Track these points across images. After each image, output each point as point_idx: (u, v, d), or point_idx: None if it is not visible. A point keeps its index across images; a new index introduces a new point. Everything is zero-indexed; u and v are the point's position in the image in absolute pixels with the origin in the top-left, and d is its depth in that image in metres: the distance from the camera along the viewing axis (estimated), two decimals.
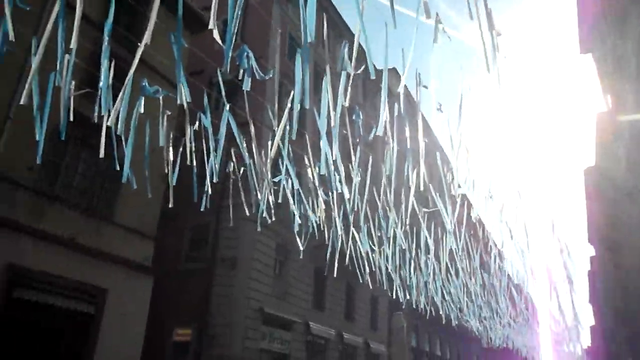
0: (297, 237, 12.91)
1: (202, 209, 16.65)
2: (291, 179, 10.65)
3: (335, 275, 20.93)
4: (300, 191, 12.07)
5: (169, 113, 8.92)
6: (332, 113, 6.86)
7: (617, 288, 25.93)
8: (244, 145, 8.77)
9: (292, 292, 18.45)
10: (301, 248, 13.41)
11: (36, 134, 6.70)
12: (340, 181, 11.76)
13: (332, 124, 7.07)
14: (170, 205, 9.30)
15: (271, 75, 7.77)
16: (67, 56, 6.42)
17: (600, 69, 23.74)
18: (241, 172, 11.96)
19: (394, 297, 17.94)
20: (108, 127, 6.96)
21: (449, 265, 19.56)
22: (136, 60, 6.08)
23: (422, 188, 9.39)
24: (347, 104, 6.86)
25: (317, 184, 11.88)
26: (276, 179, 11.46)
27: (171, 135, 9.50)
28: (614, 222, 24.87)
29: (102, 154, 6.93)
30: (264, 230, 17.09)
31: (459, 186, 12.31)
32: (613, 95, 23.08)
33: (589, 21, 24.07)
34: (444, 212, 13.25)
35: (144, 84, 7.47)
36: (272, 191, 11.80)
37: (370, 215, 14.09)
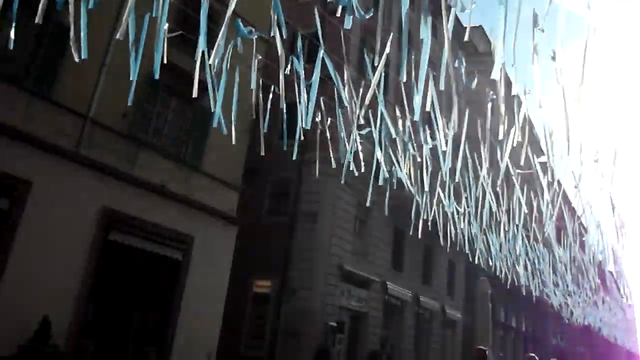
0: (385, 191, 12.46)
1: (285, 162, 16.62)
2: (384, 128, 10.13)
3: (414, 237, 20.53)
4: (388, 144, 11.60)
5: (260, 57, 8.65)
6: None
7: None
8: (342, 85, 8.36)
9: (371, 251, 18.20)
10: (385, 204, 13.06)
11: (130, 74, 6.55)
12: (432, 136, 11.15)
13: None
14: (262, 153, 9.04)
15: (371, 14, 7.17)
16: None
17: None
18: (328, 122, 11.67)
19: (475, 262, 17.28)
20: (201, 71, 6.81)
21: (537, 233, 18.51)
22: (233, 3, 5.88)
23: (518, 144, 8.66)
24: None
25: (406, 136, 11.33)
26: (364, 131, 11.04)
27: (261, 81, 9.28)
28: None
29: (195, 94, 6.72)
30: (345, 186, 16.83)
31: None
32: None
33: None
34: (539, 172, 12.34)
35: (238, 24, 7.16)
36: (359, 143, 11.42)
37: (460, 174, 13.40)
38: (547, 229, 18.01)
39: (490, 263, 18.27)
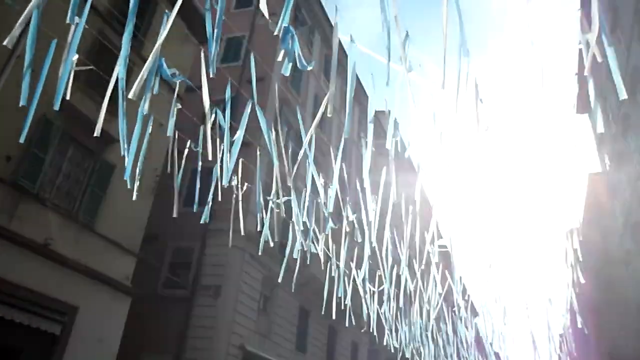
0: (292, 267, 11.84)
1: (189, 230, 15.40)
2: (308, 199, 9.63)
3: (318, 316, 19.67)
4: (307, 220, 11.07)
5: (180, 107, 7.94)
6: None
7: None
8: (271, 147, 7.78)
9: (275, 331, 17.00)
10: (293, 281, 12.40)
11: (21, 99, 5.27)
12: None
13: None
14: (174, 214, 8.08)
15: (311, 67, 6.83)
16: (72, 26, 5.49)
17: (597, 130, 23.52)
18: (244, 188, 10.95)
19: (384, 344, 16.80)
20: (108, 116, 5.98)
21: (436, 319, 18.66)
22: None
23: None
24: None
25: (327, 213, 10.89)
26: (282, 200, 10.44)
27: (176, 135, 8.48)
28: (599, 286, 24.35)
29: (98, 132, 5.78)
30: (252, 260, 15.88)
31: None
32: (609, 156, 22.96)
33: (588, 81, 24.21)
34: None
35: (162, 63, 6.45)
36: (274, 216, 10.76)
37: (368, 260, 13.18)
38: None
39: (397, 345, 17.80)
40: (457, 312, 19.94)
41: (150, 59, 5.49)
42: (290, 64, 5.84)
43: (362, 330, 16.17)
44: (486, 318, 20.38)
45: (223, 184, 7.56)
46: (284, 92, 19.17)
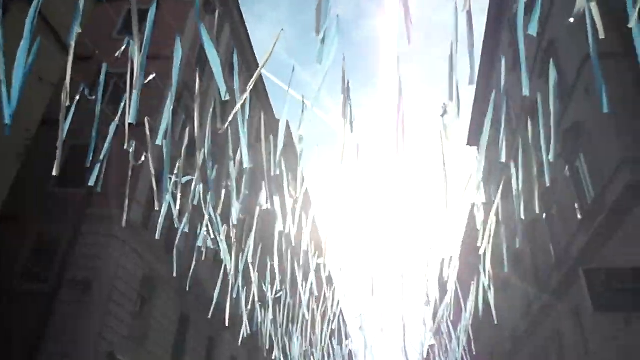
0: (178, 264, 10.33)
1: (59, 214, 13.11)
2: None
3: (199, 325, 17.93)
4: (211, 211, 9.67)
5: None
6: None
7: None
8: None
9: (152, 337, 14.99)
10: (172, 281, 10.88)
11: None
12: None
13: None
14: (54, 172, 6.20)
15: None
16: None
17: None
18: (140, 161, 9.31)
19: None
20: None
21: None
22: None
23: None
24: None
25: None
26: (184, 179, 8.96)
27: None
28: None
29: None
30: (132, 254, 13.94)
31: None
32: (495, 186, 24.07)
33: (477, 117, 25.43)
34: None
35: None
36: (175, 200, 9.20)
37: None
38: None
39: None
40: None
41: None
42: None
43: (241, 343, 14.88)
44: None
45: (131, 121, 5.89)
46: (186, 76, 17.52)
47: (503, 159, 8.63)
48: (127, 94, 6.16)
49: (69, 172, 14.26)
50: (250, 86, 5.97)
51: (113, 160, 9.31)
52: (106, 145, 7.65)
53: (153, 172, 8.52)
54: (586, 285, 9.66)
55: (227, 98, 5.33)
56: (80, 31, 5.71)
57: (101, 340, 12.57)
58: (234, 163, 8.23)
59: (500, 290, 23.63)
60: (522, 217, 9.06)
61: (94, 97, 7.18)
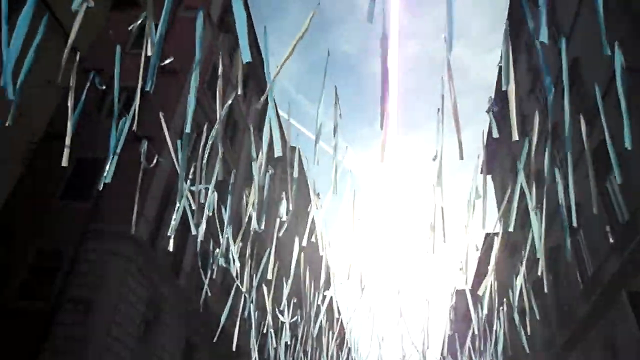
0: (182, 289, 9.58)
1: (60, 229, 12.54)
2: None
3: (205, 353, 17.01)
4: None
5: None
6: None
7: None
8: None
9: None
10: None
11: None
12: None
13: None
14: (64, 163, 5.61)
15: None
16: None
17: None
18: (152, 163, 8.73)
19: None
20: None
21: None
22: None
23: None
24: None
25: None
26: (199, 187, 8.32)
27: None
28: None
29: None
30: (137, 274, 13.23)
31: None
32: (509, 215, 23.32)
33: (493, 145, 24.89)
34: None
35: None
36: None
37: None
38: None
39: None
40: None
41: None
42: None
43: None
44: None
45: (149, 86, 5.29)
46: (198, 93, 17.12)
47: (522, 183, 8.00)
48: (140, 80, 5.61)
49: (73, 186, 13.79)
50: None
51: (122, 173, 8.70)
52: (113, 143, 7.01)
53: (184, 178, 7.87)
54: (631, 308, 8.86)
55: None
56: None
57: None
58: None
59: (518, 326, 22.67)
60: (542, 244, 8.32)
61: (104, 87, 6.63)
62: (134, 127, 5.79)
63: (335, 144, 5.98)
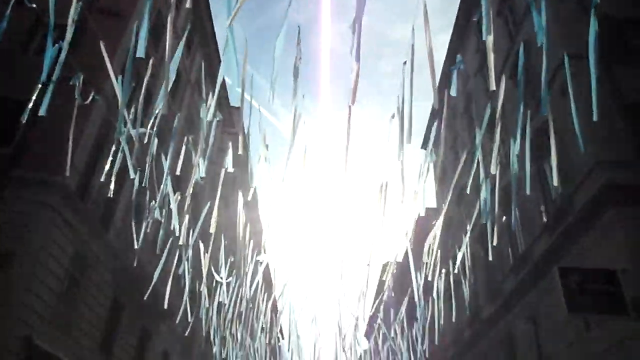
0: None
1: None
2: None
3: (132, 314, 16.37)
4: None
5: None
6: None
7: None
8: None
9: (79, 324, 13.36)
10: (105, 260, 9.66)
11: None
12: None
13: None
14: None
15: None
16: None
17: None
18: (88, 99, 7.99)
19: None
20: None
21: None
22: None
23: None
24: None
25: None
26: (138, 131, 7.75)
27: None
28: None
29: None
30: (64, 226, 12.39)
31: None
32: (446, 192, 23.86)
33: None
34: None
35: None
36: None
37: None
38: None
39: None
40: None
41: None
42: None
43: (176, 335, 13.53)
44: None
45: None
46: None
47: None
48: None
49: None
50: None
51: (50, 114, 7.85)
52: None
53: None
54: (560, 284, 9.16)
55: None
56: None
57: (17, 321, 10.93)
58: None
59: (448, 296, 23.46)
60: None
61: (34, 6, 5.88)
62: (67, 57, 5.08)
63: (294, 89, 5.61)
